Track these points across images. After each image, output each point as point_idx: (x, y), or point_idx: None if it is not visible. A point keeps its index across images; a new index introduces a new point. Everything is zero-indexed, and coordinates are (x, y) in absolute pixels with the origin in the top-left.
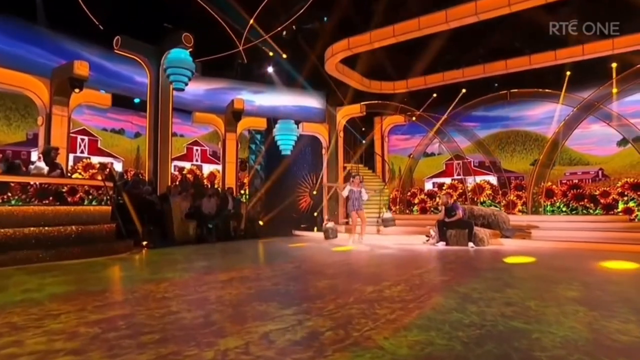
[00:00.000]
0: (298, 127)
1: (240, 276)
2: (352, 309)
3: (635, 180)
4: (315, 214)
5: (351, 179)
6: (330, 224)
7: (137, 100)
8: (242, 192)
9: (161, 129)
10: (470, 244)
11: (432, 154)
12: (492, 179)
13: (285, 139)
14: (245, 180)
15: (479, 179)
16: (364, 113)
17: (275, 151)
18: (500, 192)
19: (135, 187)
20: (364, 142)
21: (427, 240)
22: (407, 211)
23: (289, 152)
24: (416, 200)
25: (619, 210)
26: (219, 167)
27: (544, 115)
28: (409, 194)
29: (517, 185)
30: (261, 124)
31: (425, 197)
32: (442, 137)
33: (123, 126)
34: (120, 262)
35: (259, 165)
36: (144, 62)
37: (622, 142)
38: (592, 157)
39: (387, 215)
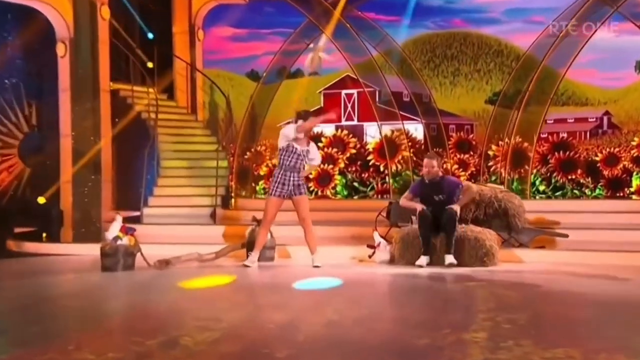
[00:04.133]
0: None
1: None
2: None
3: None
4: (42, 199)
5: (296, 122)
6: (123, 238)
7: None
8: None
9: None
10: (449, 258)
11: (299, 73)
12: (416, 129)
13: None
14: None
15: (389, 127)
16: None
17: None
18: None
19: None
20: (152, 37)
21: (373, 254)
22: (245, 193)
23: None
24: (263, 171)
25: (632, 189)
26: None
27: (517, 4)
28: (247, 156)
29: (460, 140)
30: None
31: None
32: (321, 40)
33: None
34: None
35: None
36: None
37: None
38: (592, 90)
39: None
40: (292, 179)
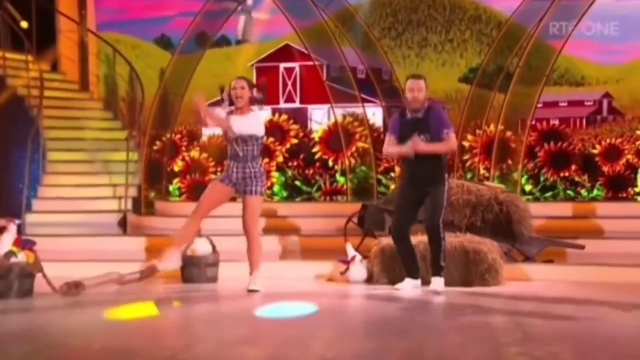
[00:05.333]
0: None
1: None
2: None
3: None
4: None
5: (225, 90)
6: (18, 254)
7: None
8: None
9: None
10: (436, 282)
11: (225, 41)
12: (374, 113)
13: None
14: None
15: (341, 111)
16: None
17: None
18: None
19: None
20: None
21: (346, 270)
22: (154, 194)
23: None
24: (178, 166)
25: (637, 189)
26: None
27: None
28: (156, 146)
29: None
30: None
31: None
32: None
33: None
34: None
35: None
36: None
37: None
38: (588, 67)
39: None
40: (235, 169)
